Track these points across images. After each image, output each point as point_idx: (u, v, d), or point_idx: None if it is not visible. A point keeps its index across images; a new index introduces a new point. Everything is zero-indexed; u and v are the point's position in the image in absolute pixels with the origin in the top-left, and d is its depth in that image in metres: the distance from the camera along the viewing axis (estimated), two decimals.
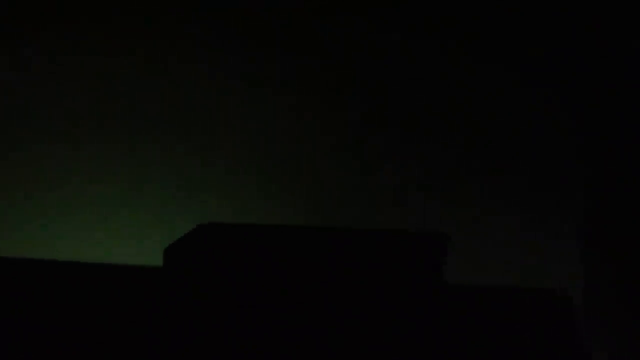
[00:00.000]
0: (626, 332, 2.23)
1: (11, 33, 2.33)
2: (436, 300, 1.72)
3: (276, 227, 1.97)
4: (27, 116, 2.37)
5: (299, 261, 1.76)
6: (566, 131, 2.21)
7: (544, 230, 2.24)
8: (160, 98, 2.31)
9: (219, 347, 1.76)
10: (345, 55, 2.25)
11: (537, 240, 2.25)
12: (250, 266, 1.77)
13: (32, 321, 1.82)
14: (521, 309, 1.76)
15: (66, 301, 1.87)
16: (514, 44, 2.20)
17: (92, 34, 2.31)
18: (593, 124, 2.20)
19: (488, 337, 1.69)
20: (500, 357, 1.66)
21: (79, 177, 2.37)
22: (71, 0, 2.30)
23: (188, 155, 2.33)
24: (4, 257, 2.01)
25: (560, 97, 2.20)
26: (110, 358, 1.73)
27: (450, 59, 2.22)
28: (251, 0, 2.25)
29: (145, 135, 2.33)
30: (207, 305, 1.78)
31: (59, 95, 2.35)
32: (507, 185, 2.25)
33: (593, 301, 2.24)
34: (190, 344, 1.76)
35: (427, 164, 2.26)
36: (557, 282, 2.25)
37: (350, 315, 1.75)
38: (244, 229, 1.96)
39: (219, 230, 1.94)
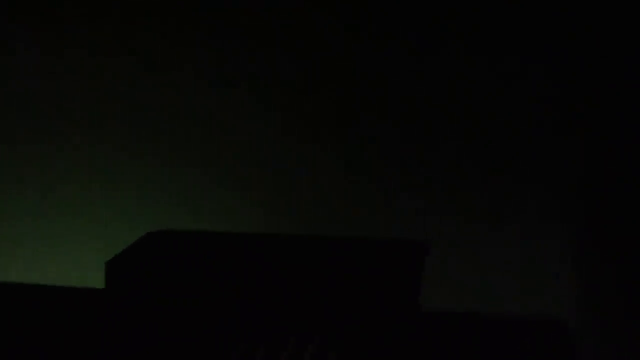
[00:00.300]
0: (626, 334, 2.22)
1: (9, 32, 2.33)
2: (414, 324, 1.60)
3: (237, 235, 1.82)
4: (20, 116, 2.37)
5: (256, 275, 1.60)
6: (567, 133, 2.21)
7: (542, 231, 2.24)
8: (159, 98, 2.31)
9: None
10: (345, 56, 2.24)
11: (535, 241, 2.24)
12: (201, 281, 1.60)
13: None
14: (516, 339, 1.67)
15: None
16: (514, 45, 2.19)
17: (91, 34, 2.31)
18: (593, 125, 2.19)
19: None
20: None
21: (72, 178, 2.36)
22: (72, 0, 2.30)
23: (187, 156, 2.32)
24: None
25: (560, 99, 2.20)
26: None
27: (449, 60, 2.21)
28: (251, 0, 2.25)
29: (141, 135, 2.33)
30: (153, 326, 1.62)
31: (59, 96, 2.35)
32: (506, 187, 2.24)
33: (592, 304, 2.24)
34: None
35: (425, 166, 2.25)
36: (556, 283, 2.25)
37: (314, 336, 1.60)
38: (198, 237, 1.79)
39: (169, 239, 1.77)
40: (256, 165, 2.30)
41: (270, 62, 2.27)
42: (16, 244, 2.38)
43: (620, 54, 2.15)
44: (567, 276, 2.24)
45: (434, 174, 2.25)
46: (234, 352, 1.60)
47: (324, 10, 2.23)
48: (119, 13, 2.29)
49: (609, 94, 2.16)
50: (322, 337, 1.61)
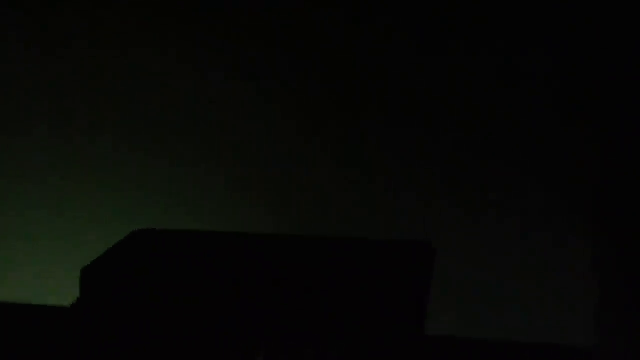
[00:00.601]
0: (637, 325, 2.20)
1: (9, 28, 2.32)
2: (420, 333, 1.47)
3: (230, 235, 1.68)
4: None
5: (249, 279, 1.45)
6: (575, 129, 2.18)
7: (550, 230, 2.21)
8: (157, 98, 2.30)
9: None
10: (344, 54, 2.23)
11: (544, 240, 2.22)
12: (187, 288, 1.45)
13: None
14: None
15: None
16: (520, 38, 2.17)
17: (90, 33, 2.31)
18: (603, 122, 2.17)
19: None
20: None
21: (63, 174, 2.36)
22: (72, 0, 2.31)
23: (187, 156, 2.32)
24: None
25: (568, 91, 2.18)
26: None
27: (453, 57, 2.20)
28: (251, 0, 2.25)
29: (140, 135, 2.33)
30: (133, 340, 1.46)
31: (58, 94, 2.34)
32: (512, 185, 2.22)
33: (605, 302, 2.21)
34: None
35: (427, 165, 2.24)
36: (568, 284, 2.22)
37: (313, 343, 1.46)
38: (183, 238, 1.65)
39: (151, 242, 1.62)
40: (256, 165, 2.29)
41: (270, 61, 2.26)
42: (15, 242, 2.38)
43: (627, 45, 2.12)
44: (578, 277, 2.21)
45: (436, 173, 2.24)
46: None
47: (322, 5, 2.22)
48: (119, 12, 2.29)
49: (616, 85, 2.14)
50: (322, 344, 1.50)
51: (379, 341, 1.50)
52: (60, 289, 2.36)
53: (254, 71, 2.27)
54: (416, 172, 2.25)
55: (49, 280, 2.36)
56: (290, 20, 2.24)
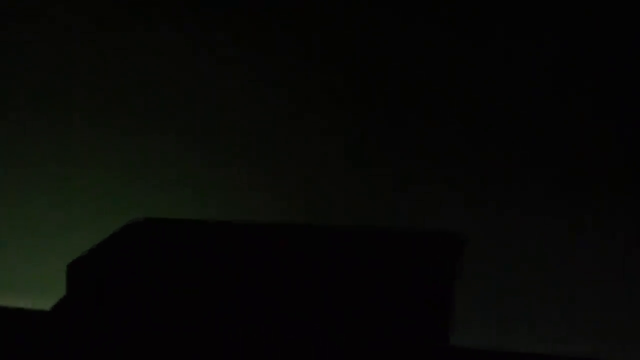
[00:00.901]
0: None
1: (9, 23, 2.35)
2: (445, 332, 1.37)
3: (235, 225, 1.57)
4: None
5: (255, 275, 1.34)
6: (576, 121, 2.16)
7: (553, 224, 2.18)
8: (157, 97, 2.31)
9: None
10: (345, 51, 2.24)
11: (545, 236, 2.18)
12: (188, 285, 1.33)
13: None
14: None
15: None
16: (521, 29, 2.16)
17: (89, 25, 2.33)
18: (605, 113, 2.14)
19: None
20: None
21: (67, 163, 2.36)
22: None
23: (190, 146, 2.31)
24: None
25: (571, 85, 2.16)
26: None
27: (453, 51, 2.19)
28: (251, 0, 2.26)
29: (140, 131, 2.33)
30: (125, 344, 1.33)
31: (61, 82, 2.36)
32: (515, 181, 2.19)
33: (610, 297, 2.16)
34: None
35: (428, 161, 2.22)
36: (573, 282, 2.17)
37: (321, 343, 1.34)
38: (184, 228, 1.54)
39: (147, 233, 1.51)
40: (254, 160, 2.28)
41: (271, 60, 2.27)
42: (15, 234, 2.37)
43: (629, 37, 2.10)
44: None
45: (436, 170, 2.21)
46: None
47: (322, 4, 2.23)
48: (121, 11, 2.31)
49: (618, 76, 2.11)
50: (329, 344, 1.39)
51: (392, 342, 1.41)
52: (59, 285, 2.35)
53: (254, 66, 2.28)
54: (416, 170, 2.23)
55: (49, 275, 2.36)
56: (290, 17, 2.25)
